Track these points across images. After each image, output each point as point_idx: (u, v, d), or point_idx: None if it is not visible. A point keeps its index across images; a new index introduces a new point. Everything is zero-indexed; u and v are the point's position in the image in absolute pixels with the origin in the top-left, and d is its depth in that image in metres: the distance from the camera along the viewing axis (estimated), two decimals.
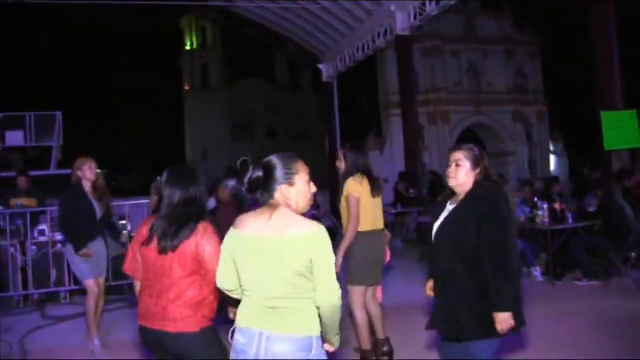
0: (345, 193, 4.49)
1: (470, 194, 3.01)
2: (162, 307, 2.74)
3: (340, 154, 4.71)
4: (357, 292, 4.45)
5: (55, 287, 7.61)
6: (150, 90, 46.53)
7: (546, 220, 7.51)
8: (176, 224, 2.78)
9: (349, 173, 4.56)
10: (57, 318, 6.82)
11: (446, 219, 3.07)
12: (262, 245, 2.29)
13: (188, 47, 48.40)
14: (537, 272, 7.71)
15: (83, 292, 7.84)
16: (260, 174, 2.36)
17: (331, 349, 2.47)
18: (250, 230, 2.34)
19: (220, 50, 48.02)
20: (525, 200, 8.58)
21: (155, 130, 45.60)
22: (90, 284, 5.35)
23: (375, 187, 4.54)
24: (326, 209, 15.18)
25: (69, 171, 10.91)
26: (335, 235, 12.50)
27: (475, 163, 3.05)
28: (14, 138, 12.31)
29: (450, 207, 3.09)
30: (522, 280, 2.93)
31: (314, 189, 2.45)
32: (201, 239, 2.74)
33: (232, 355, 2.39)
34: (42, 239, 7.63)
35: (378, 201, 4.58)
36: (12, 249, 7.46)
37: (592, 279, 7.21)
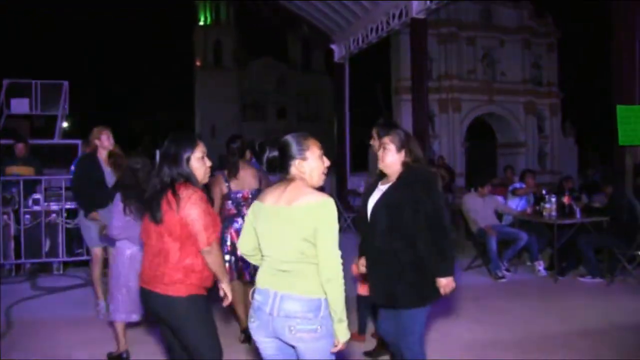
0: None
1: (403, 177, 3.28)
2: (155, 270, 2.84)
3: (374, 133, 4.47)
4: None
5: (48, 258, 7.50)
6: (161, 64, 46.38)
7: (553, 213, 7.33)
8: (150, 196, 2.87)
9: None
10: (47, 289, 6.73)
11: (381, 199, 3.29)
12: (277, 214, 2.54)
13: (202, 22, 48.03)
14: (540, 266, 7.55)
15: (76, 264, 7.83)
16: (276, 153, 2.60)
17: (339, 347, 2.52)
18: (269, 201, 2.60)
19: (234, 27, 47.63)
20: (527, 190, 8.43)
21: (165, 105, 45.46)
22: (96, 251, 5.48)
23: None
24: (330, 191, 15.03)
25: (74, 141, 10.88)
26: (339, 218, 12.38)
27: (400, 146, 3.30)
28: (20, 105, 12.18)
29: (382, 187, 3.34)
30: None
31: (327, 162, 2.66)
32: (184, 204, 2.76)
33: (251, 312, 2.63)
34: (37, 208, 7.50)
35: None
36: (5, 217, 7.35)
37: (596, 276, 7.03)
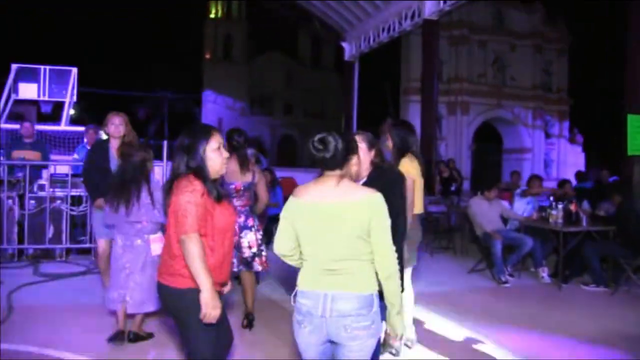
0: None
1: (373, 175, 3.34)
2: (163, 261, 2.85)
3: (387, 131, 4.45)
4: (406, 274, 4.34)
5: (51, 244, 7.49)
6: (170, 55, 46.36)
7: (560, 221, 7.28)
8: (162, 187, 2.91)
9: (400, 152, 4.32)
10: (50, 275, 6.71)
11: None
12: (325, 211, 2.46)
13: (212, 15, 47.99)
14: (544, 272, 7.50)
15: (79, 251, 7.82)
16: (340, 147, 2.47)
17: (395, 341, 2.60)
18: (312, 198, 2.51)
19: (245, 21, 47.58)
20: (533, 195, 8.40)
21: (172, 97, 45.41)
22: (100, 243, 5.27)
23: (422, 169, 4.40)
24: None
25: (80, 128, 10.86)
26: None
27: (370, 145, 3.40)
28: (28, 90, 12.18)
29: None
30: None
31: (225, 154, 2.79)
32: (177, 196, 2.71)
33: (297, 317, 2.55)
34: (42, 193, 7.49)
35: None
36: (10, 201, 7.33)
37: (600, 284, 6.99)
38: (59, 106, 12.71)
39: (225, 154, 2.86)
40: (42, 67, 12.26)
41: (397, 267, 2.48)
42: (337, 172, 2.50)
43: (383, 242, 2.45)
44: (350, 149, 2.54)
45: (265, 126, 45.87)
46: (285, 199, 6.23)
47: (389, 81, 25.93)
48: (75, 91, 12.61)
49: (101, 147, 5.37)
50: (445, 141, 23.07)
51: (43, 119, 13.39)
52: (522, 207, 8.35)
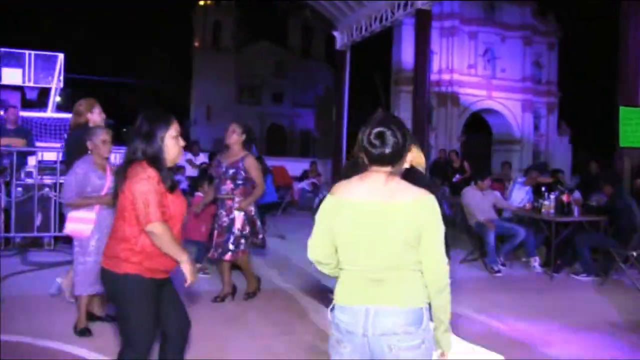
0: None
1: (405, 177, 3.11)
2: (106, 244, 2.85)
3: None
4: None
5: (39, 232, 7.38)
6: (158, 42, 45.90)
7: (551, 211, 7.31)
8: (115, 174, 2.92)
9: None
10: (38, 264, 6.62)
11: None
12: (370, 211, 2.12)
13: (201, 3, 47.57)
14: (536, 262, 7.55)
15: (68, 239, 7.70)
16: (401, 142, 2.14)
17: (445, 357, 2.22)
18: (356, 196, 2.15)
19: (234, 9, 47.19)
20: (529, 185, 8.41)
21: (160, 85, 45.08)
22: None
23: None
24: (327, 178, 14.97)
25: (67, 114, 10.72)
26: None
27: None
28: (12, 76, 11.98)
29: None
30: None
31: (181, 142, 2.78)
32: (130, 181, 2.69)
33: (336, 334, 2.22)
34: (29, 181, 7.37)
35: None
36: None
37: (590, 274, 7.04)
38: (44, 92, 12.53)
39: (182, 143, 2.83)
40: (27, 52, 12.06)
41: (448, 281, 2.17)
42: (388, 168, 2.15)
43: (434, 252, 2.13)
44: (407, 144, 2.19)
45: (254, 115, 45.67)
46: (277, 187, 6.22)
47: (380, 71, 25.87)
48: (61, 77, 12.43)
49: (84, 133, 5.06)
50: (435, 132, 23.08)
51: (28, 105, 13.20)
52: (520, 196, 8.36)
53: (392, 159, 2.14)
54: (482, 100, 24.49)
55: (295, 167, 15.17)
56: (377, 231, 2.11)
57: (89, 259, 4.27)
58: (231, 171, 5.21)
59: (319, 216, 2.27)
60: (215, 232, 5.31)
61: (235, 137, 5.25)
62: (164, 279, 2.83)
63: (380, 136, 2.12)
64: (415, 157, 4.19)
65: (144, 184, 2.64)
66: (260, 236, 5.43)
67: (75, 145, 5.00)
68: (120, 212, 2.75)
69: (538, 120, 25.80)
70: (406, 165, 2.25)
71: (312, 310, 5.35)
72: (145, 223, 2.63)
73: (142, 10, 46.64)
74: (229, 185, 5.23)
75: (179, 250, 2.72)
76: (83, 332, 4.32)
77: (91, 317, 4.52)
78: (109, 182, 4.28)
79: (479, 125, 25.84)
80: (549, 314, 5.53)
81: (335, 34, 16.31)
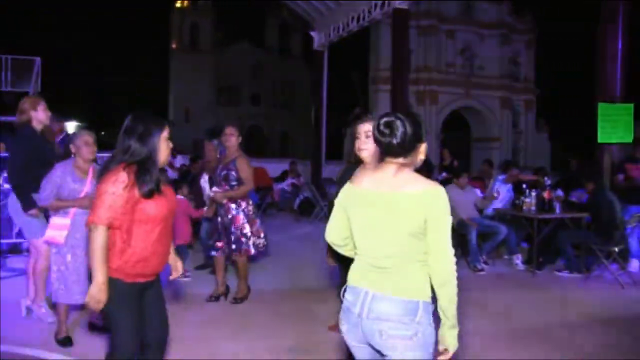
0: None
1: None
2: None
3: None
4: None
5: (18, 239, 7.19)
6: (135, 45, 45.48)
7: (533, 208, 7.33)
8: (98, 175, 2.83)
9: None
10: (18, 271, 6.43)
11: None
12: (378, 200, 2.19)
13: (178, 4, 47.24)
14: (518, 259, 7.57)
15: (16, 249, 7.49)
16: (409, 132, 2.16)
17: (447, 356, 2.18)
18: (367, 185, 2.24)
19: (211, 10, 46.94)
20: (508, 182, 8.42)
21: (138, 87, 44.67)
22: (42, 243, 4.66)
23: None
24: (307, 179, 14.89)
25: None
26: (314, 206, 12.26)
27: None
28: None
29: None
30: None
31: (169, 145, 2.72)
32: (99, 184, 2.67)
33: (341, 313, 2.34)
34: (6, 186, 7.15)
35: None
36: None
37: (573, 271, 7.07)
38: (22, 97, 12.29)
39: (170, 145, 2.78)
40: (3, 56, 11.82)
41: (454, 274, 2.15)
42: (400, 159, 2.18)
43: (439, 243, 2.12)
44: (420, 135, 2.21)
45: (232, 117, 45.49)
46: (257, 189, 6.06)
47: (358, 70, 25.90)
48: (39, 81, 12.21)
49: (35, 135, 4.80)
50: None
51: (5, 110, 12.94)
52: (502, 194, 8.37)
53: (401, 150, 2.17)
54: (461, 98, 24.66)
55: (274, 168, 15.07)
56: (384, 221, 2.16)
57: (63, 267, 4.13)
58: (223, 173, 5.35)
59: (337, 202, 2.39)
60: (216, 233, 5.45)
61: (233, 140, 5.38)
62: (148, 282, 2.76)
63: (388, 125, 2.16)
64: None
65: (107, 184, 2.59)
66: (263, 235, 5.48)
67: (18, 144, 4.80)
68: None
69: (517, 117, 26.06)
70: (422, 157, 2.26)
71: (294, 312, 5.30)
72: (89, 222, 2.58)
73: (118, 12, 46.21)
74: (224, 187, 5.36)
75: (100, 268, 2.57)
76: (64, 342, 4.20)
77: (93, 327, 4.37)
78: (88, 186, 4.16)
79: (458, 123, 26.01)
80: (532, 311, 5.54)
81: (313, 34, 16.25)
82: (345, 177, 3.24)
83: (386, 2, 12.53)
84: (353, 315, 2.23)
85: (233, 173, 5.33)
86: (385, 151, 2.21)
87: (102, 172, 2.70)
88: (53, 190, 4.13)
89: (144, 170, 2.64)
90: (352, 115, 4.42)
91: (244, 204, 5.41)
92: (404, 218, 2.12)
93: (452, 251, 2.15)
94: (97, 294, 2.58)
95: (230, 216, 5.36)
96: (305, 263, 7.56)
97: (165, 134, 2.73)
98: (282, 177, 14.44)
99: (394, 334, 2.13)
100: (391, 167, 2.19)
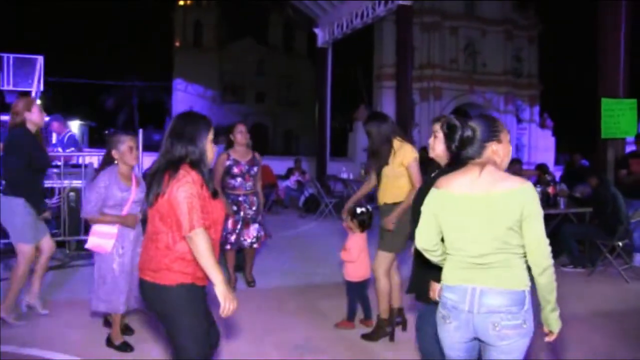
0: (405, 161, 4.29)
1: (444, 168, 3.09)
2: (146, 255, 2.69)
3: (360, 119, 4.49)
4: (387, 258, 4.36)
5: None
6: (139, 42, 45.58)
7: None
8: (149, 179, 2.68)
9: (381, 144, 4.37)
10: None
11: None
12: (473, 203, 2.31)
13: (181, 2, 47.25)
14: None
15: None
16: (469, 132, 2.35)
17: (552, 337, 2.42)
18: (459, 189, 2.35)
19: (215, 7, 46.93)
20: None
21: (142, 85, 44.73)
22: (29, 248, 4.65)
23: None
24: (312, 175, 14.94)
25: (48, 118, 10.56)
26: (319, 203, 12.30)
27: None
28: None
29: None
30: None
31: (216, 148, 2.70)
32: (174, 185, 2.56)
33: (442, 311, 2.44)
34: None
35: None
36: None
37: (577, 266, 7.10)
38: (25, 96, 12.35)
39: (215, 147, 2.77)
40: (5, 55, 11.86)
41: (551, 261, 2.30)
42: (477, 160, 2.35)
43: (536, 234, 2.26)
44: (488, 135, 2.35)
45: (236, 115, 45.49)
46: (262, 186, 6.03)
47: (362, 67, 25.90)
48: (42, 80, 12.25)
49: (29, 136, 4.66)
50: (419, 127, 23.18)
51: (7, 109, 13.00)
52: None
53: (470, 150, 2.35)
54: (464, 95, 24.65)
55: (279, 165, 15.13)
56: (482, 220, 2.29)
57: (110, 276, 4.04)
58: (251, 168, 5.75)
59: (425, 207, 2.47)
60: (239, 225, 5.71)
61: (248, 136, 5.79)
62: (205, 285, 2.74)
63: (450, 129, 2.39)
64: (407, 151, 4.25)
65: (188, 187, 2.54)
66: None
67: (13, 147, 4.65)
68: (160, 219, 2.63)
69: (520, 113, 26.04)
70: (496, 157, 2.37)
71: (300, 309, 5.32)
72: (189, 229, 2.50)
73: (122, 11, 46.30)
74: (251, 181, 5.74)
75: (216, 268, 2.52)
76: (123, 347, 4.10)
77: (108, 324, 4.38)
78: (133, 194, 4.07)
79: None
80: (536, 306, 5.55)
81: (317, 31, 16.28)
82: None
83: None
84: (462, 312, 2.34)
85: (255, 168, 5.77)
86: (457, 154, 2.40)
87: (159, 175, 2.61)
88: (98, 202, 3.97)
89: (201, 171, 2.63)
90: (356, 112, 4.45)
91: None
92: (503, 214, 2.26)
93: (547, 240, 2.28)
94: (229, 293, 2.54)
95: (254, 208, 5.79)
96: (311, 260, 7.60)
97: (210, 135, 2.71)
98: (287, 175, 14.49)
99: (506, 324, 2.29)
100: (474, 168, 2.35)
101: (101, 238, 4.05)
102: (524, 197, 2.26)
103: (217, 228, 2.72)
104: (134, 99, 45.00)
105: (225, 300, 2.51)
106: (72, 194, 7.29)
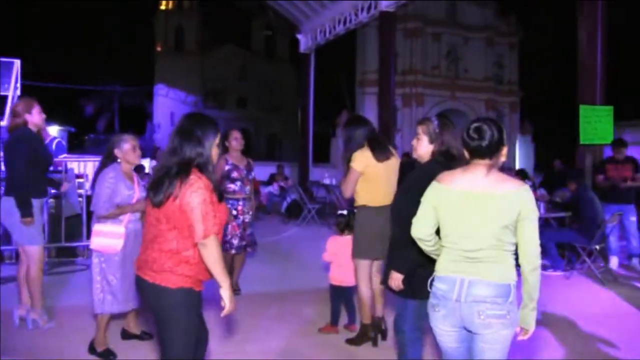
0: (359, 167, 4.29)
1: (420, 167, 3.26)
2: (147, 256, 2.66)
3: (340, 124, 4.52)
4: (361, 265, 4.37)
5: (2, 246, 7.11)
6: (120, 47, 45.25)
7: None
8: (157, 178, 2.63)
9: (351, 149, 4.37)
10: (3, 279, 6.35)
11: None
12: (474, 200, 2.44)
13: (163, 6, 47.02)
14: None
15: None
16: (497, 134, 2.45)
17: (526, 335, 2.55)
18: (462, 186, 2.48)
19: (196, 12, 46.78)
20: None
21: (123, 90, 44.35)
22: (38, 250, 4.61)
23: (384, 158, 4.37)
24: (294, 181, 14.93)
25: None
26: (302, 209, 12.31)
27: (432, 137, 3.25)
28: None
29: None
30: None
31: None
32: (186, 190, 2.54)
33: (432, 301, 2.58)
34: None
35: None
36: None
37: (557, 269, 7.22)
38: (1, 100, 12.18)
39: (218, 151, 2.77)
40: None
41: (540, 261, 2.46)
42: (487, 161, 2.46)
43: (530, 234, 2.42)
44: (502, 139, 2.49)
45: (218, 120, 45.05)
46: None
47: (345, 73, 25.99)
48: (19, 84, 12.10)
49: (32, 136, 4.64)
50: (401, 133, 23.31)
51: None
52: None
53: (489, 152, 2.44)
54: (447, 101, 24.85)
55: (262, 171, 15.10)
56: (478, 217, 2.43)
57: (115, 276, 4.00)
58: (249, 173, 5.90)
59: (424, 199, 2.60)
60: (239, 229, 5.78)
61: (242, 142, 5.95)
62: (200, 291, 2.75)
63: (478, 130, 2.43)
64: (354, 156, 4.28)
65: (201, 193, 2.53)
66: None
67: (18, 147, 4.59)
68: (167, 222, 2.60)
69: (501, 119, 26.28)
70: (503, 159, 2.51)
71: (284, 314, 5.33)
72: (204, 236, 2.51)
73: (102, 14, 45.93)
74: (249, 185, 5.88)
75: (226, 274, 2.60)
76: (105, 354, 4.05)
77: (127, 334, 4.38)
78: (137, 193, 4.08)
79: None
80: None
81: (299, 37, 16.32)
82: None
83: (372, 4, 12.64)
84: (450, 301, 2.48)
85: (252, 173, 5.96)
86: (474, 153, 2.47)
87: (170, 178, 2.57)
88: (110, 197, 3.95)
89: (210, 176, 2.63)
90: (338, 118, 4.47)
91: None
92: (501, 213, 2.40)
93: (538, 241, 2.44)
94: (233, 299, 2.63)
95: (251, 212, 5.94)
96: (294, 265, 7.60)
97: (217, 139, 2.71)
98: (270, 181, 14.48)
99: (491, 314, 2.42)
100: (481, 168, 2.47)
101: (109, 238, 4.02)
102: (523, 199, 2.41)
103: (221, 232, 2.74)
104: (115, 103, 44.58)
105: (228, 302, 2.61)
106: (51, 200, 7.23)
